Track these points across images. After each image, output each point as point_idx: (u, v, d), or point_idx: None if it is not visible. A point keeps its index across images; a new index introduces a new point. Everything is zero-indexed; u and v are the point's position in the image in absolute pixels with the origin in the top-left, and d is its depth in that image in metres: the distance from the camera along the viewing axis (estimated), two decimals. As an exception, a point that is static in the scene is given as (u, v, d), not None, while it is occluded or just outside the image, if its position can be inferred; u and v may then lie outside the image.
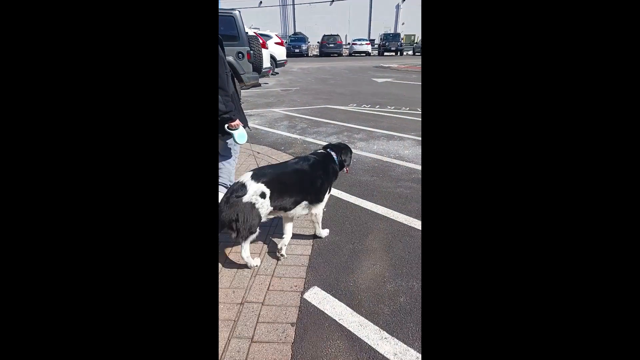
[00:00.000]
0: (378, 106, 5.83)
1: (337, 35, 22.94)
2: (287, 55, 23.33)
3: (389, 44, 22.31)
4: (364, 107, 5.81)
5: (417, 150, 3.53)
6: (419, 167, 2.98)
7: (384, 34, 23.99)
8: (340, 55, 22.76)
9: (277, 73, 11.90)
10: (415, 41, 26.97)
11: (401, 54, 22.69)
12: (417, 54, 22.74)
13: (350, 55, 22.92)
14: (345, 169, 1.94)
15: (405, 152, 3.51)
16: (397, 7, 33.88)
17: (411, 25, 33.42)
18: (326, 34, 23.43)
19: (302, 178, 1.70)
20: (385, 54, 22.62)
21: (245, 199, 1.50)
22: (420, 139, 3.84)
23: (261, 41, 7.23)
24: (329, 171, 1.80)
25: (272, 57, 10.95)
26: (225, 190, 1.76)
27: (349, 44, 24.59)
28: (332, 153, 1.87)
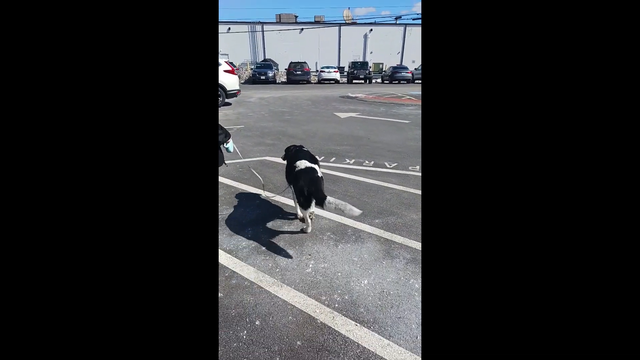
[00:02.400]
0: (334, 158, 4.44)
1: (305, 62, 22.29)
2: (253, 82, 22.71)
3: (358, 71, 21.93)
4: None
5: (389, 275, 1.86)
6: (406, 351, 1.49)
7: (352, 62, 23.70)
8: (308, 82, 22.01)
9: (230, 104, 10.43)
10: (384, 69, 26.99)
11: (370, 82, 22.37)
12: (385, 81, 22.51)
13: (319, 82, 22.24)
14: None
15: (363, 285, 1.78)
16: (365, 36, 34.56)
17: (378, 54, 34.07)
18: (293, 61, 22.73)
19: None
20: (354, 81, 22.17)
21: (319, 174, 2.20)
22: (389, 234, 2.40)
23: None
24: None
25: (221, 87, 9.52)
26: None
27: (317, 71, 24.03)
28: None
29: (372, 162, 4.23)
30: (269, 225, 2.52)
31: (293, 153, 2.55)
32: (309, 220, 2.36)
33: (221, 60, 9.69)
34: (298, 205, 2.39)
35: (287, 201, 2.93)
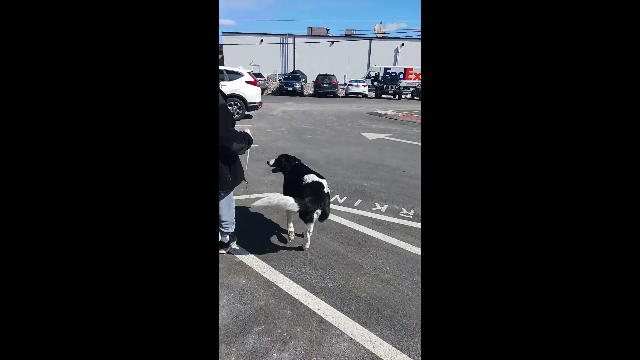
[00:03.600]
0: (359, 200, 3.44)
1: (333, 75, 21.64)
2: (280, 94, 22.37)
3: (387, 86, 20.93)
4: (336, 199, 3.44)
5: None
6: None
7: (382, 76, 22.78)
8: (335, 95, 21.31)
9: (250, 116, 9.80)
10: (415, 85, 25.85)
11: (399, 98, 21.27)
12: (415, 98, 21.29)
13: (346, 96, 21.48)
14: None
15: None
16: (396, 51, 33.66)
17: (411, 69, 32.95)
18: (321, 73, 22.21)
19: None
20: (383, 96, 21.17)
21: (326, 190, 2.22)
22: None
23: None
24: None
25: (241, 99, 8.91)
26: (226, 235, 2.27)
27: (345, 84, 23.33)
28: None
29: (413, 212, 3.18)
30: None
31: (294, 167, 2.53)
32: (308, 235, 2.32)
33: (244, 70, 9.12)
34: (291, 222, 2.34)
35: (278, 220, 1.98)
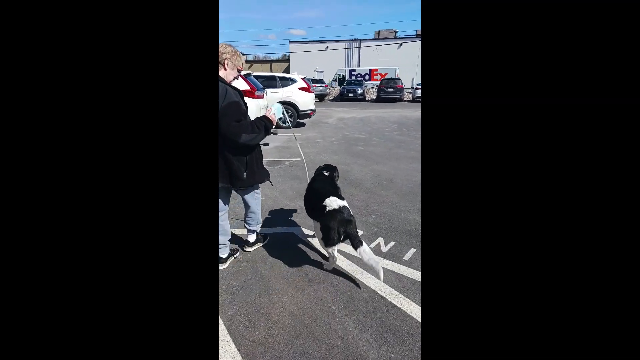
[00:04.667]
0: (413, 250, 2.40)
1: (398, 79, 20.18)
2: (341, 100, 21.85)
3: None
4: (378, 244, 2.47)
5: None
6: None
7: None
8: (400, 100, 19.79)
9: (303, 124, 9.30)
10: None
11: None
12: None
13: (412, 100, 19.75)
14: None
15: None
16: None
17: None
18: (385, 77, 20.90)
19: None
20: (457, 100, 18.78)
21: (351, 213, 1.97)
22: None
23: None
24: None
25: (293, 106, 8.44)
26: (253, 233, 2.36)
27: (412, 88, 21.54)
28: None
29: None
30: None
31: (315, 184, 2.30)
32: (335, 255, 2.08)
33: (297, 76, 8.67)
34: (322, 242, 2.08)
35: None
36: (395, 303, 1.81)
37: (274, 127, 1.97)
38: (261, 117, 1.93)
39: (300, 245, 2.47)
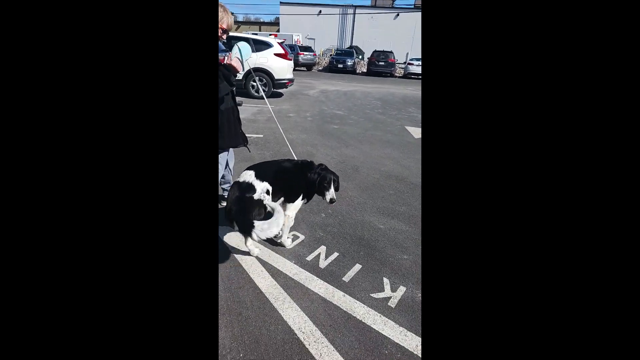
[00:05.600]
0: (358, 266, 1.94)
1: (390, 52, 19.02)
2: (329, 70, 20.63)
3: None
4: (317, 256, 2.01)
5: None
6: None
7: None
8: (392, 75, 18.86)
9: (281, 94, 8.53)
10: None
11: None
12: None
13: (404, 76, 18.85)
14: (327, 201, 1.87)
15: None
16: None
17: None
18: (377, 49, 19.71)
19: (284, 174, 1.88)
20: (449, 79, 18.03)
21: (256, 196, 1.70)
22: None
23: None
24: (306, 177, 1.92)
25: (268, 74, 7.63)
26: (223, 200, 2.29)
27: (405, 63, 20.52)
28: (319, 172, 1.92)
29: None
30: None
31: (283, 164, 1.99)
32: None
33: (273, 40, 7.73)
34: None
35: None
36: (311, 351, 1.36)
37: (239, 74, 1.74)
38: (221, 65, 1.70)
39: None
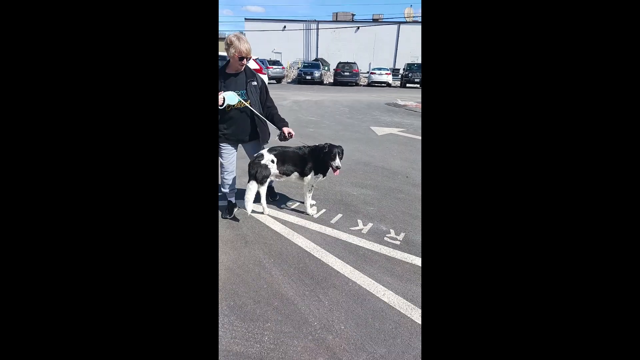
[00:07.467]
0: (339, 215, 2.79)
1: (354, 63, 20.56)
2: (298, 82, 21.67)
3: (413, 75, 19.49)
4: (321, 223, 2.83)
5: None
6: None
7: (408, 64, 21.26)
8: (357, 84, 20.29)
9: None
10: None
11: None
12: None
13: (368, 85, 20.38)
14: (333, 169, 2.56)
15: None
16: (427, 36, 31.39)
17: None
18: (342, 61, 21.17)
19: (297, 157, 2.67)
20: (408, 85, 19.81)
21: (263, 161, 2.52)
22: None
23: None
24: (318, 158, 2.65)
25: (246, 88, 8.36)
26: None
27: (369, 72, 22.15)
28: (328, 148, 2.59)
29: (402, 236, 2.49)
30: None
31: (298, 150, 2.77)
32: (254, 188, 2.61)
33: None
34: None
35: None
36: (316, 255, 2.18)
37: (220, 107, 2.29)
38: None
39: (239, 211, 2.73)
